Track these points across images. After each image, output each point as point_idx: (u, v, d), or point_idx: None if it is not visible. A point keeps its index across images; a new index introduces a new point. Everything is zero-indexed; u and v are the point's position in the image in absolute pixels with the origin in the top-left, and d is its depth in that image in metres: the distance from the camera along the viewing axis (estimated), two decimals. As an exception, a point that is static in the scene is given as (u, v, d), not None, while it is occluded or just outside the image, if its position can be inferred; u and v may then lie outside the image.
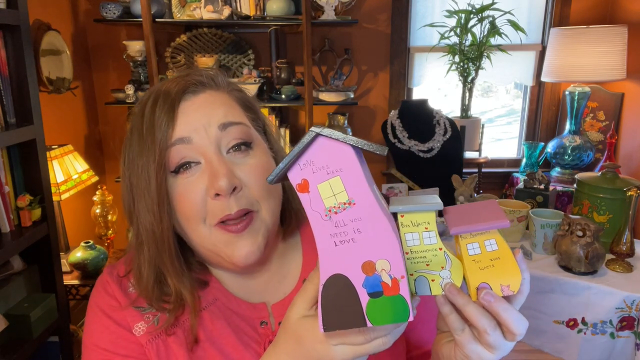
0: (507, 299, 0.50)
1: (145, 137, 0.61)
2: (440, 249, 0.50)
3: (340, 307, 0.45)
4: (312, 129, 0.45)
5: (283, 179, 0.47)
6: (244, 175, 0.61)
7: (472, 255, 0.50)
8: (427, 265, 0.50)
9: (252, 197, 0.62)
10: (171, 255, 0.63)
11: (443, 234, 0.54)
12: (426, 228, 0.50)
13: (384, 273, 0.45)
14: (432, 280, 0.50)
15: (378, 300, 0.45)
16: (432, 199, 0.51)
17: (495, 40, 2.55)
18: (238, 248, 0.61)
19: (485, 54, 2.59)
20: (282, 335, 0.52)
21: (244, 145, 0.63)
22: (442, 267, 0.50)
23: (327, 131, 0.45)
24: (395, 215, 0.49)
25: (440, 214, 0.52)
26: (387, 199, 0.53)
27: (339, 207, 0.45)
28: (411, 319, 0.45)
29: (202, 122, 0.61)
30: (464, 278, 0.51)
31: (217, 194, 0.59)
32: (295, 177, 0.46)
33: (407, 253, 0.50)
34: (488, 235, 0.50)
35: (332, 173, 0.45)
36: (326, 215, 0.45)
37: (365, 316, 0.45)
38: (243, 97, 0.68)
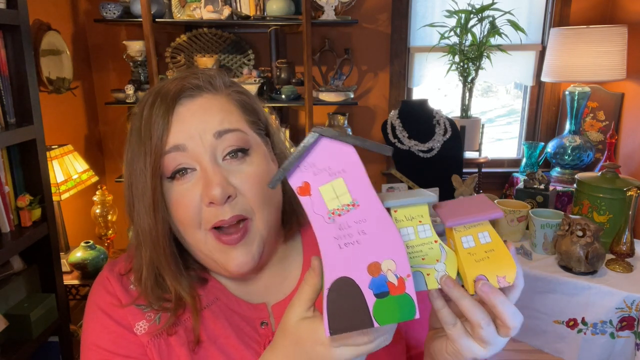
0: (503, 291, 0.50)
1: (142, 141, 0.61)
2: (436, 241, 0.50)
3: (347, 310, 0.45)
4: (314, 130, 0.44)
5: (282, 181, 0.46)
6: (239, 183, 0.61)
7: (466, 248, 0.50)
8: (423, 259, 0.50)
9: (247, 205, 0.62)
10: (167, 258, 0.63)
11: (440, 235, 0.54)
12: (420, 221, 0.49)
13: (390, 273, 0.45)
14: (428, 275, 0.50)
15: (384, 301, 0.45)
16: (423, 192, 0.50)
17: (495, 40, 2.55)
18: (232, 258, 0.62)
19: (485, 54, 2.59)
20: (281, 338, 0.52)
21: (240, 152, 0.62)
22: (437, 260, 0.50)
23: (329, 132, 0.44)
24: (388, 212, 0.49)
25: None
26: None
27: (342, 209, 0.45)
28: (417, 316, 0.45)
29: (198, 130, 0.60)
30: (458, 271, 0.50)
31: (211, 202, 0.60)
32: (295, 181, 0.45)
33: None
34: (481, 228, 0.50)
35: (335, 175, 0.44)
36: (329, 218, 0.45)
37: (372, 317, 0.45)
38: (243, 100, 0.67)
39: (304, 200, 0.45)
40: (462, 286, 0.50)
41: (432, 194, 0.49)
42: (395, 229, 0.45)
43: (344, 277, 0.45)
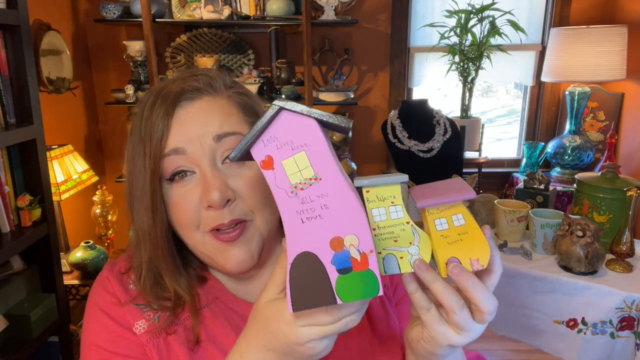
0: (480, 277, 0.49)
1: (142, 141, 0.61)
2: (408, 222, 0.49)
3: (309, 286, 0.44)
4: (275, 103, 0.43)
5: (247, 156, 0.46)
6: (238, 187, 0.61)
7: (440, 230, 0.49)
8: (395, 241, 0.49)
9: (246, 208, 0.62)
10: (165, 257, 0.63)
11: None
12: (392, 202, 0.49)
13: (353, 248, 0.44)
14: (401, 258, 0.49)
15: (347, 277, 0.44)
16: (397, 174, 0.50)
17: (495, 40, 2.55)
18: (231, 256, 0.62)
19: (485, 54, 2.59)
20: (252, 320, 0.52)
21: None
22: (410, 243, 0.49)
23: (290, 105, 0.43)
24: (360, 192, 0.48)
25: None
26: (351, 177, 0.53)
27: (305, 183, 0.44)
28: (381, 293, 0.44)
29: (197, 133, 0.61)
30: (432, 255, 0.49)
31: (210, 206, 0.60)
32: (258, 154, 0.45)
33: (374, 229, 0.48)
34: (455, 210, 0.50)
35: (297, 148, 0.44)
36: (292, 192, 0.44)
37: (335, 293, 0.44)
38: (244, 101, 0.66)
39: (267, 174, 0.45)
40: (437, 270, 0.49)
41: (404, 174, 0.49)
42: (358, 204, 0.44)
43: (307, 252, 0.44)
